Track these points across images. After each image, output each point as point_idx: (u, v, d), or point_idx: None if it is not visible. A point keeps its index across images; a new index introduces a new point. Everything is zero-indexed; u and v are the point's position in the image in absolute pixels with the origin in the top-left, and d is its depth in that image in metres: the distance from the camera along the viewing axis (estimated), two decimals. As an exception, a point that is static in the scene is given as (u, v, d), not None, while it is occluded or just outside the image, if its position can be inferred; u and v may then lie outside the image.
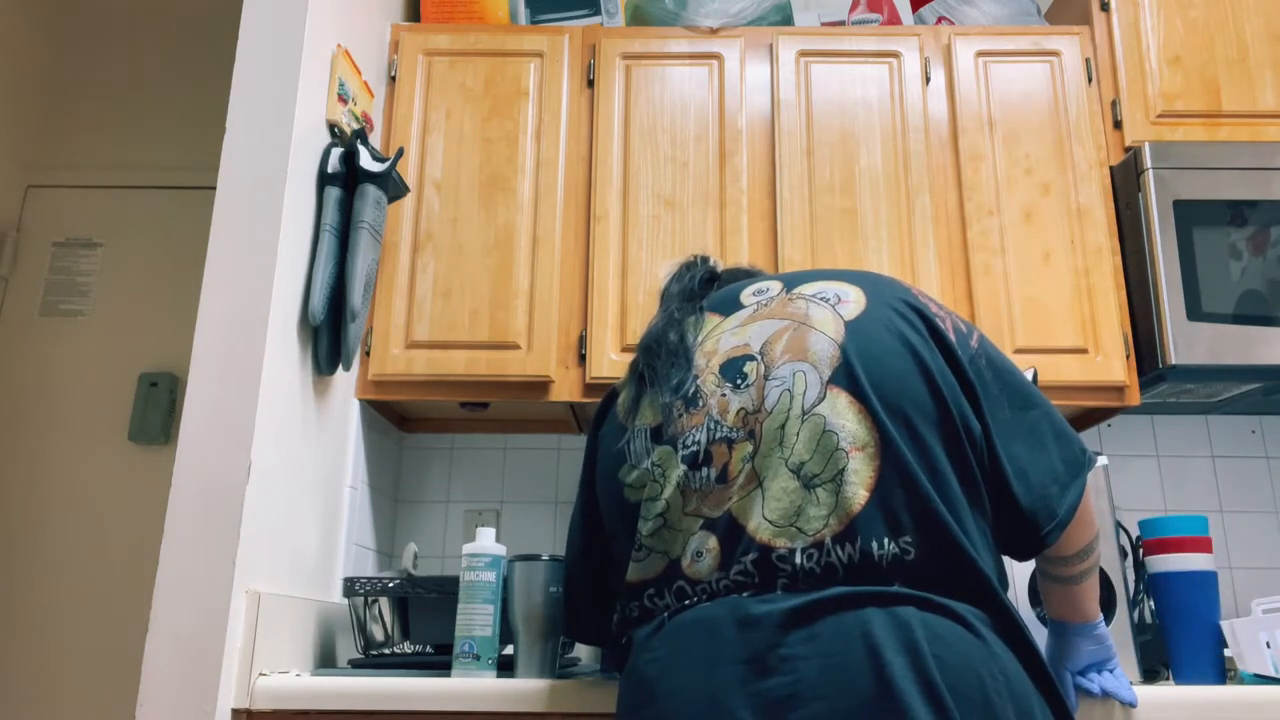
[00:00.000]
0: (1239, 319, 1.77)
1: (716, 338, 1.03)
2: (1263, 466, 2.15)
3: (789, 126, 1.98)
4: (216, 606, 1.29)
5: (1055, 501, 0.96)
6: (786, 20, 2.16)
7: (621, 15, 2.19)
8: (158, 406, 2.44)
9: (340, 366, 1.65)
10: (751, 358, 0.98)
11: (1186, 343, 1.76)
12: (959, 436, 0.93)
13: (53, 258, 2.58)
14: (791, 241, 1.90)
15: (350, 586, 1.55)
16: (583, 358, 1.85)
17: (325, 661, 1.61)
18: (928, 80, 2.02)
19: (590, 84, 2.03)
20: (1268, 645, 1.35)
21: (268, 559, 1.43)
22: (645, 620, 0.97)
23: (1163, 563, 1.44)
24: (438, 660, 1.47)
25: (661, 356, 1.05)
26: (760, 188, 1.96)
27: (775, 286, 1.06)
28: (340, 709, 1.29)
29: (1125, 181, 1.91)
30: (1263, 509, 2.12)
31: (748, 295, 1.07)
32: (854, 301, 1.00)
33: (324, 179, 1.62)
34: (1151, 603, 1.53)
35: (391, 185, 1.70)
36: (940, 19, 2.23)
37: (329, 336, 1.61)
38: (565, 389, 1.85)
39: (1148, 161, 1.85)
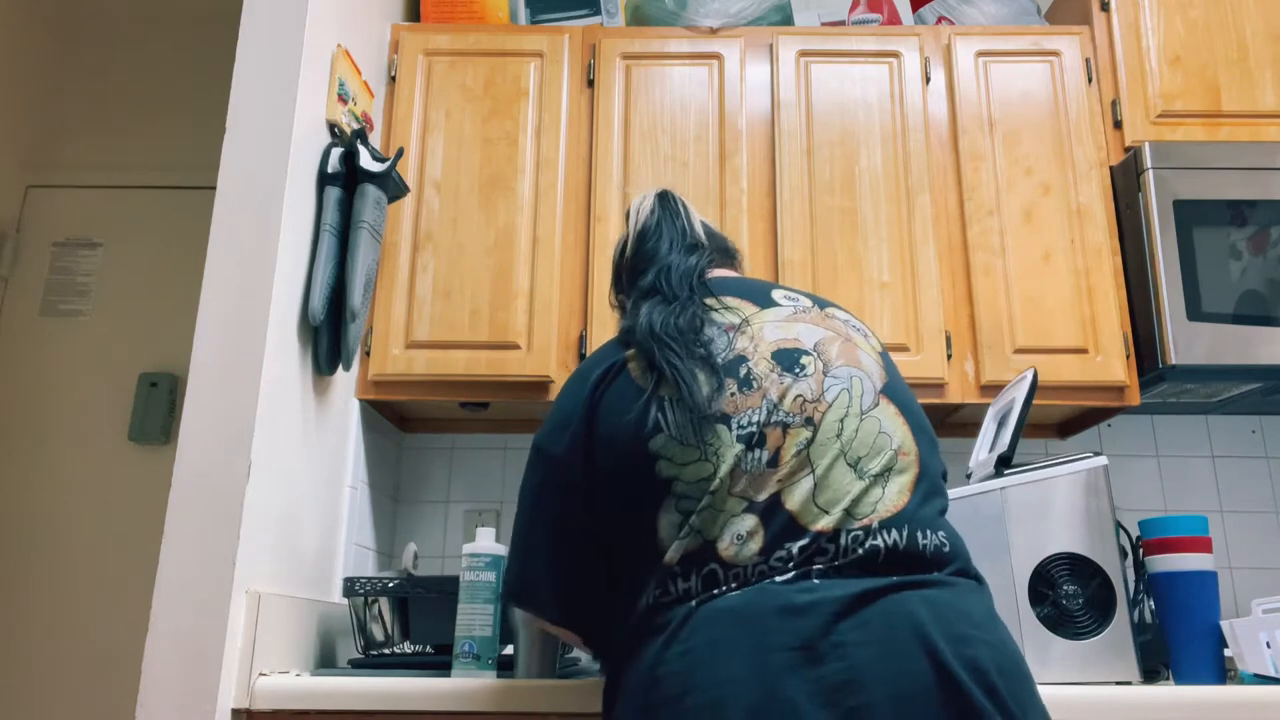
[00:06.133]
0: (1239, 319, 1.77)
1: (759, 325, 1.07)
2: (1263, 466, 2.15)
3: (789, 126, 1.98)
4: (216, 606, 1.29)
5: None
6: (786, 20, 2.16)
7: (621, 15, 2.19)
8: (158, 406, 2.44)
9: (340, 366, 1.65)
10: (806, 352, 1.04)
11: (1186, 343, 1.76)
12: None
13: (53, 258, 2.58)
14: (791, 241, 1.90)
15: (350, 586, 1.55)
16: (582, 357, 1.85)
17: (325, 661, 1.61)
18: (928, 80, 2.02)
19: (590, 84, 2.03)
20: (1268, 645, 1.35)
21: (268, 559, 1.43)
22: (668, 607, 0.94)
23: (1163, 563, 1.44)
24: (438, 660, 1.47)
25: (685, 338, 1.06)
26: (760, 188, 1.96)
27: (803, 299, 1.14)
28: (340, 709, 1.29)
29: (1125, 181, 1.91)
30: (1263, 509, 2.12)
31: (780, 296, 1.13)
32: (871, 337, 1.13)
33: (324, 179, 1.62)
34: (1151, 603, 1.53)
35: (391, 185, 1.70)
36: (940, 19, 2.23)
37: (329, 336, 1.61)
38: (565, 389, 1.84)
39: (1148, 161, 1.85)
